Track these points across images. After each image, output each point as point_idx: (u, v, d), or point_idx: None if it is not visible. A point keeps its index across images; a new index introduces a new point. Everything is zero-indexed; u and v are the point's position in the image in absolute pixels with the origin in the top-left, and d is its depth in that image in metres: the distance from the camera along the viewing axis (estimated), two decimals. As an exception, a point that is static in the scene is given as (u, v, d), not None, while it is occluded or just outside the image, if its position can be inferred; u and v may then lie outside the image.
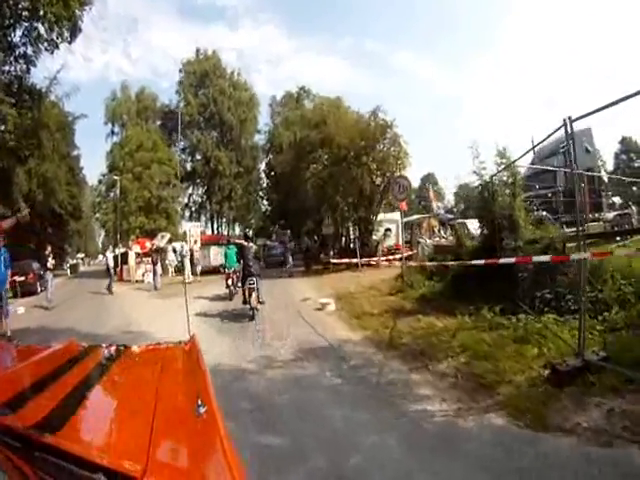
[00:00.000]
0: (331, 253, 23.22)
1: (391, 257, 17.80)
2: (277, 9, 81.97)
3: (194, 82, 39.35)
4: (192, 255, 21.66)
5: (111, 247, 26.73)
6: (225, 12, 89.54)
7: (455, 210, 36.10)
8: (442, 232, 25.55)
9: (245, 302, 9.06)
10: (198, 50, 40.74)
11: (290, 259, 19.55)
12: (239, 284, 10.80)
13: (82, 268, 46.31)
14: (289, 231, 32.87)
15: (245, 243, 9.67)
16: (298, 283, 16.25)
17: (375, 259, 18.42)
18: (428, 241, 22.00)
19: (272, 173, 40.97)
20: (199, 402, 1.13)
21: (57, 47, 19.25)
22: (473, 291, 7.53)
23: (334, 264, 19.10)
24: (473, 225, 27.58)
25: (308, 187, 23.26)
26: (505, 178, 7.79)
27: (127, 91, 39.23)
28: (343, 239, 25.91)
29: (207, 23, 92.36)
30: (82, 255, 57.80)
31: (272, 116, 41.73)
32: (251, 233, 15.29)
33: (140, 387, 1.48)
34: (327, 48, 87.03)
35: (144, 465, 0.84)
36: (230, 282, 12.55)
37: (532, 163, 14.15)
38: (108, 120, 37.70)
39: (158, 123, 39.67)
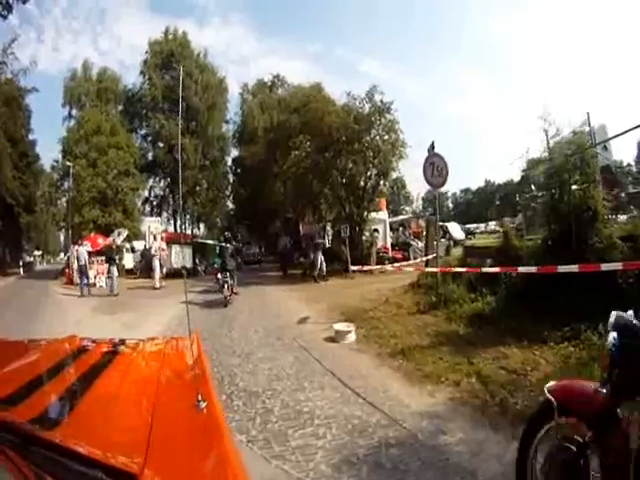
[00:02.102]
0: (311, 256, 20.18)
1: (401, 263, 15.09)
2: (248, 10, 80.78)
3: (160, 63, 35.28)
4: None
5: (81, 241, 23.45)
6: (195, 9, 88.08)
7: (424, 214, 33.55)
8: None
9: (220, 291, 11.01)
10: (167, 29, 36.72)
11: (320, 259, 15.66)
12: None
13: (39, 267, 43.22)
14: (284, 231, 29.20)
15: (225, 245, 12.09)
16: (282, 293, 13.40)
17: (373, 266, 15.75)
18: (420, 244, 19.99)
19: (238, 170, 38.55)
20: (199, 397, 1.11)
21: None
22: (546, 306, 5.67)
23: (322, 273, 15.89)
24: (453, 228, 26.35)
25: (284, 180, 20.92)
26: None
27: (88, 71, 34.92)
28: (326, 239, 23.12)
29: (177, 18, 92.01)
30: (39, 253, 54.23)
31: (243, 105, 38.26)
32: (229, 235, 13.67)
33: (140, 382, 1.45)
34: (297, 52, 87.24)
35: (143, 461, 0.84)
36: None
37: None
38: (66, 102, 33.49)
39: (120, 108, 35.52)
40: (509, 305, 6.51)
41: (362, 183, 18.24)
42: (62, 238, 53.11)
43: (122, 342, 1.95)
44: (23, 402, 1.06)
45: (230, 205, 41.62)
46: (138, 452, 0.87)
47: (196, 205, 36.45)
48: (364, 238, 18.22)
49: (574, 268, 5.25)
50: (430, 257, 11.06)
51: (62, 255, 45.84)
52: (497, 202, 66.03)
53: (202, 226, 40.37)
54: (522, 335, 5.42)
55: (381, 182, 18.90)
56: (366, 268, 14.14)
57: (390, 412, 3.80)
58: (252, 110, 35.40)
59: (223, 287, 10.72)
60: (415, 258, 18.66)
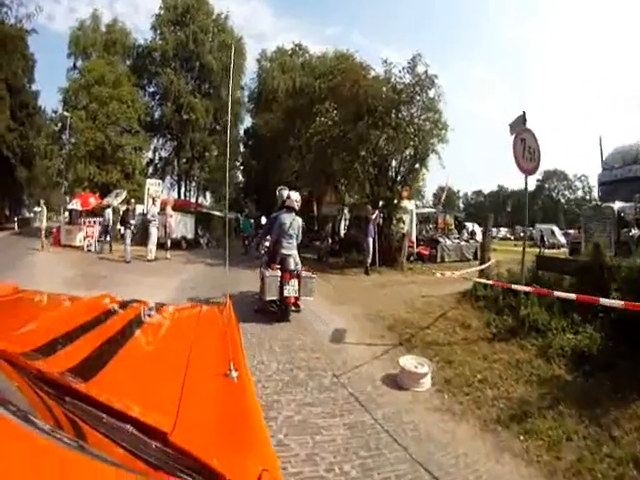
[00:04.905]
0: (329, 241, 17.96)
1: (462, 272, 12.58)
2: None
3: (174, 18, 32.39)
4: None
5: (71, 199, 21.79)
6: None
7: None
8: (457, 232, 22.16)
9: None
10: None
11: (371, 243, 13.11)
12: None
13: (38, 223, 40.14)
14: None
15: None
16: None
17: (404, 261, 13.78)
18: (447, 241, 18.16)
19: (250, 142, 35.56)
20: (231, 366, 1.11)
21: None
22: None
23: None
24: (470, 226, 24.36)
25: (302, 154, 18.73)
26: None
27: (97, 21, 32.08)
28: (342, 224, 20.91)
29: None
30: (39, 209, 50.59)
31: (260, 71, 34.59)
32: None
33: (174, 345, 1.45)
34: (314, 34, 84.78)
35: (174, 420, 0.84)
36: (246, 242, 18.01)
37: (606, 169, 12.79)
38: (71, 53, 30.75)
39: (128, 63, 32.61)
40: (617, 342, 4.81)
41: (396, 163, 15.70)
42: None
43: (158, 305, 1.95)
44: (57, 354, 1.10)
45: (240, 177, 38.64)
46: (169, 412, 0.87)
47: (203, 172, 33.92)
48: (393, 228, 15.42)
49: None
50: (489, 263, 8.67)
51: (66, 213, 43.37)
52: (508, 209, 64.06)
53: (208, 195, 37.71)
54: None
55: (417, 165, 15.92)
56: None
57: None
58: (271, 72, 32.18)
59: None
60: (442, 257, 17.07)
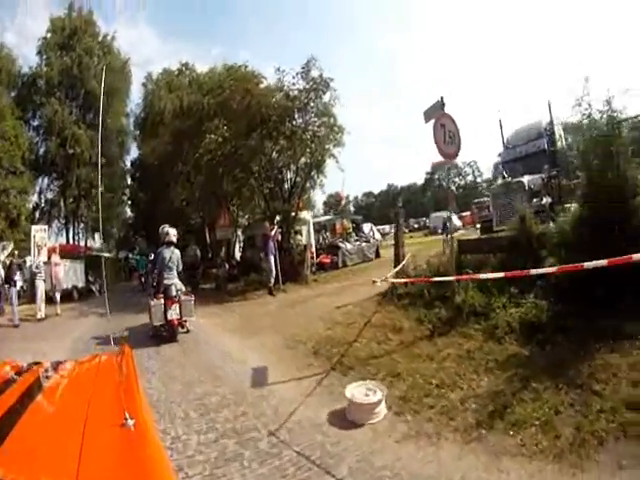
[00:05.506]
0: (226, 267, 16.55)
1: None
2: (151, 8, 70.75)
3: (60, 41, 29.56)
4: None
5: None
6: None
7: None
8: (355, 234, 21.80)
9: None
10: (71, 4, 30.43)
11: (272, 261, 12.13)
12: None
13: None
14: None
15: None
16: (201, 323, 8.58)
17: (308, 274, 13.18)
18: (348, 245, 17.93)
19: (137, 174, 33.37)
20: (126, 415, 1.11)
21: None
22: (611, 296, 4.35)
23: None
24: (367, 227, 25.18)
25: (190, 180, 18.33)
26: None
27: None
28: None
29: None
30: None
31: (146, 96, 31.73)
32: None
33: (73, 403, 1.43)
34: (201, 55, 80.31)
35: None
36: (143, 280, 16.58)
37: (508, 147, 13.46)
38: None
39: (12, 95, 28.60)
40: (564, 304, 4.86)
41: (292, 174, 15.22)
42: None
43: (55, 364, 1.91)
44: None
45: (129, 212, 36.02)
46: (69, 474, 0.89)
47: (91, 211, 31.06)
48: (292, 242, 14.84)
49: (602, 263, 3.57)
50: (404, 263, 8.31)
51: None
52: (399, 204, 67.52)
53: (97, 237, 34.23)
54: (609, 339, 3.98)
55: (313, 173, 15.53)
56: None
57: None
58: (158, 92, 30.07)
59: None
60: (345, 262, 16.77)
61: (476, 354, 4.62)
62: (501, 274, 4.92)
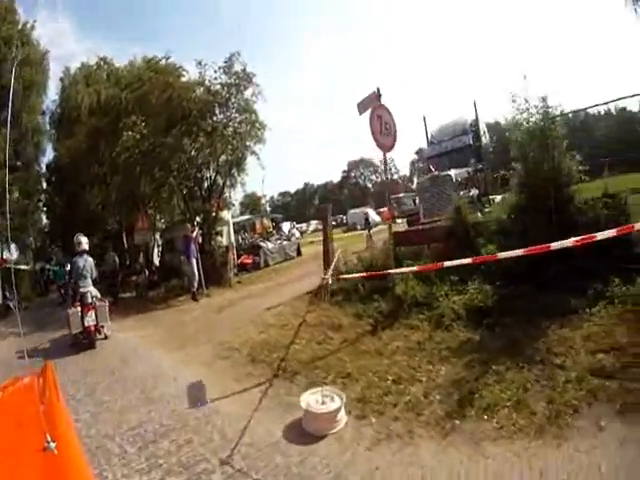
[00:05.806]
0: (145, 273, 15.59)
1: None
2: (76, 5, 67.67)
3: None
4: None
5: None
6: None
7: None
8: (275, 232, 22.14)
9: None
10: None
11: (195, 265, 11.35)
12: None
13: None
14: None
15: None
16: (127, 336, 8.15)
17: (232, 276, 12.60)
18: (269, 244, 17.85)
19: (52, 178, 30.20)
20: (48, 438, 1.04)
21: None
22: (545, 277, 4.70)
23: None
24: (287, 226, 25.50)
25: (106, 181, 17.30)
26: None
27: None
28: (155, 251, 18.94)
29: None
30: None
31: (63, 90, 28.68)
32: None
33: None
34: (120, 53, 79.92)
35: None
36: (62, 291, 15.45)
37: (433, 143, 14.01)
38: None
39: None
40: (509, 288, 5.07)
41: (212, 172, 14.60)
42: None
43: None
44: None
45: (44, 220, 32.06)
46: None
47: (4, 219, 27.32)
48: (214, 243, 14.11)
49: (568, 243, 3.73)
50: (337, 258, 8.09)
51: None
52: (316, 202, 68.27)
53: (13, 247, 30.53)
54: (557, 315, 4.20)
55: (234, 171, 14.89)
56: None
57: None
58: (75, 85, 27.11)
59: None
60: (267, 262, 16.53)
61: (426, 344, 4.52)
62: (468, 260, 4.72)
